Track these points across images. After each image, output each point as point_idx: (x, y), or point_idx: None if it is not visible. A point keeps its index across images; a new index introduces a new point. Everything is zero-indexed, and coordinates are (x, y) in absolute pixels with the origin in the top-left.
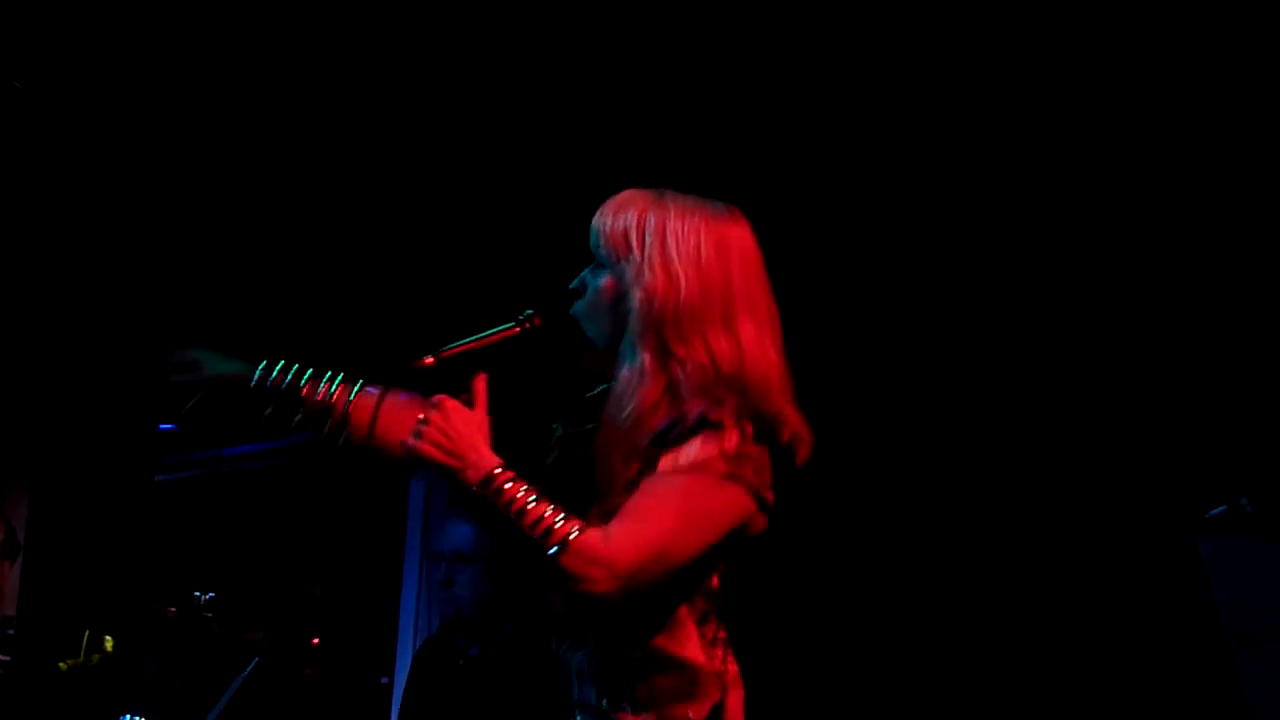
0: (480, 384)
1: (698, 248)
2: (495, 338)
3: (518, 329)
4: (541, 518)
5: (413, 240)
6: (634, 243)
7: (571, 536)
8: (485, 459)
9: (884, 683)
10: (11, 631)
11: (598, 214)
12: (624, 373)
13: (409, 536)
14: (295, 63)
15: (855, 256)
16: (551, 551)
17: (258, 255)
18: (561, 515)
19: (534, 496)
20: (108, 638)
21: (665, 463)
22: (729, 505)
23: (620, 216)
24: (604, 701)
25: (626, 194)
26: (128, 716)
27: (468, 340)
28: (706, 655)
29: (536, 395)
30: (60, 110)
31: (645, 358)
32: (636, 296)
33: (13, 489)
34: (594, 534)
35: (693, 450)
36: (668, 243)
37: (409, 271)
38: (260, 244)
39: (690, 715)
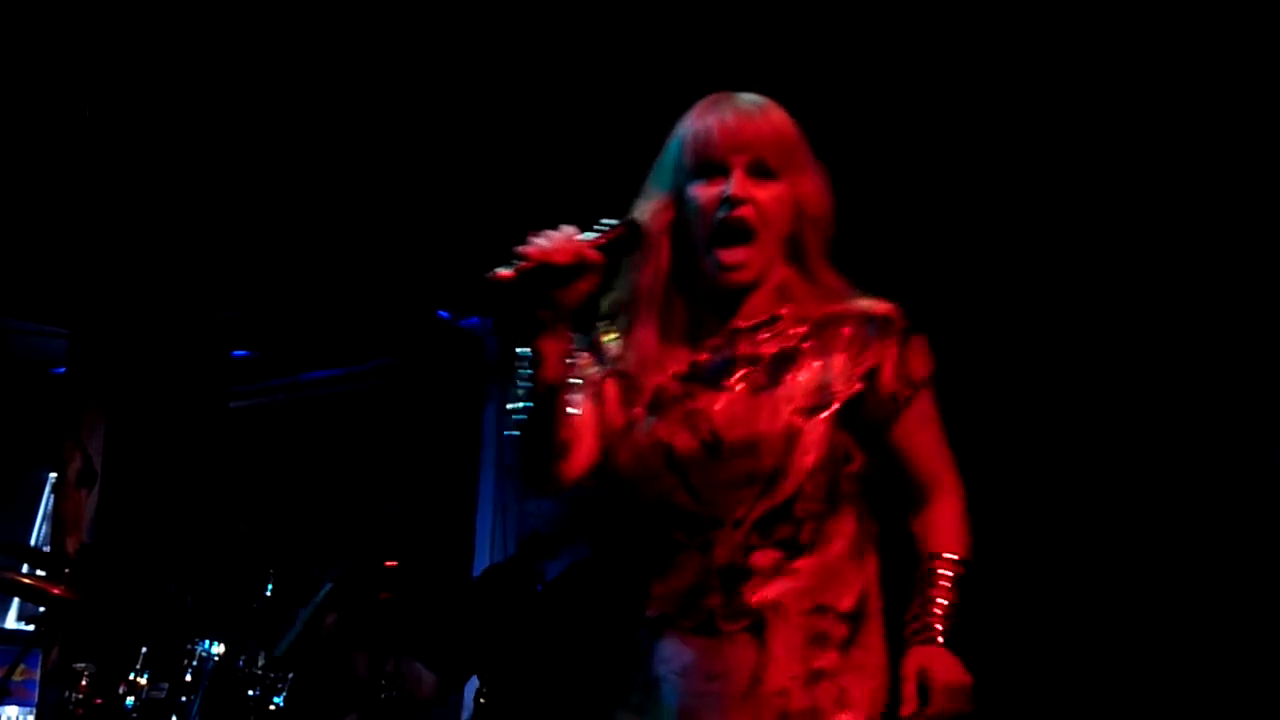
0: None
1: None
2: None
3: (603, 239)
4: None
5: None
6: (799, 150)
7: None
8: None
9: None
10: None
11: (742, 117)
12: (806, 282)
13: (484, 458)
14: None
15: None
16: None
17: (319, 177)
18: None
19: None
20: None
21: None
22: None
23: (773, 119)
24: None
25: (755, 99)
26: (205, 643)
27: None
28: None
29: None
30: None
31: (823, 267)
32: (808, 205)
33: (89, 417)
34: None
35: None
36: (809, 152)
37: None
38: (320, 168)
39: None
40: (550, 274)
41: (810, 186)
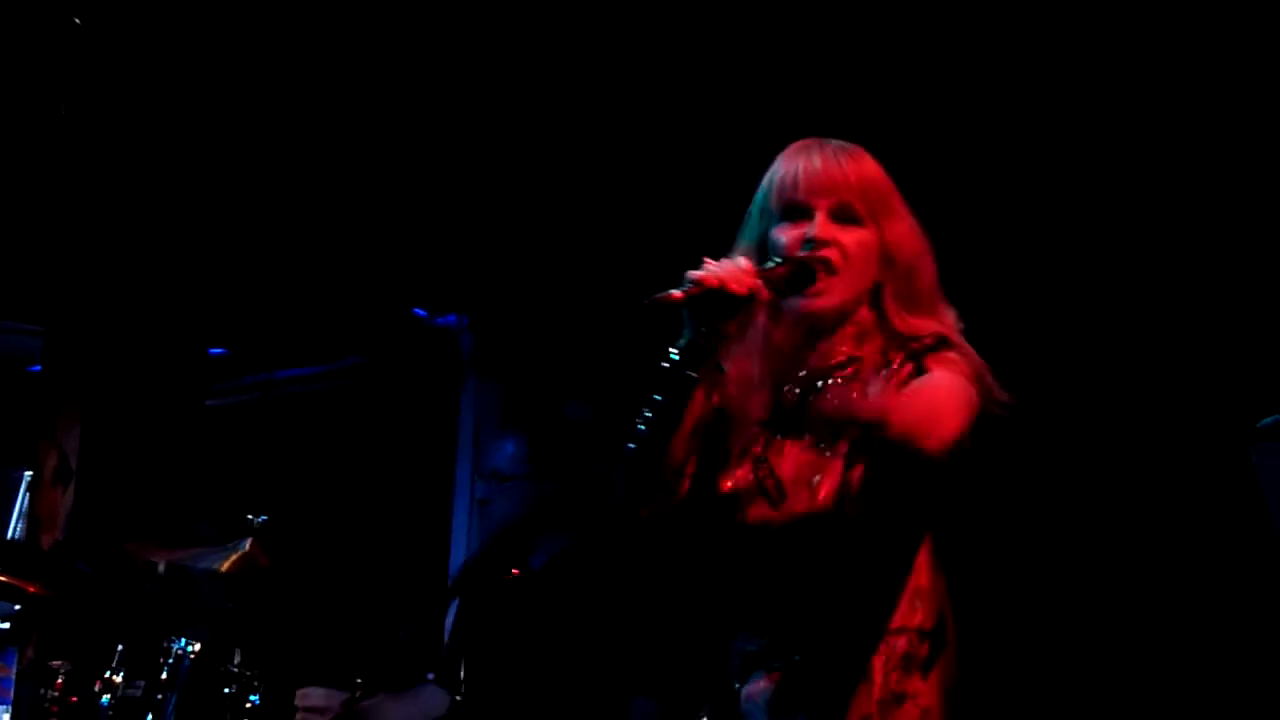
0: None
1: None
2: None
3: (773, 274)
4: None
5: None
6: (890, 198)
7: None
8: None
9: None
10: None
11: (829, 161)
12: (889, 328)
13: (460, 456)
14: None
15: None
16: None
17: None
18: None
19: None
20: (159, 563)
21: None
22: None
23: (862, 166)
24: None
25: (843, 145)
26: (181, 641)
27: None
28: None
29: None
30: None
31: (916, 313)
32: (896, 251)
33: (65, 415)
34: None
35: None
36: (900, 199)
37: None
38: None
39: None
40: (721, 301)
41: (900, 234)
